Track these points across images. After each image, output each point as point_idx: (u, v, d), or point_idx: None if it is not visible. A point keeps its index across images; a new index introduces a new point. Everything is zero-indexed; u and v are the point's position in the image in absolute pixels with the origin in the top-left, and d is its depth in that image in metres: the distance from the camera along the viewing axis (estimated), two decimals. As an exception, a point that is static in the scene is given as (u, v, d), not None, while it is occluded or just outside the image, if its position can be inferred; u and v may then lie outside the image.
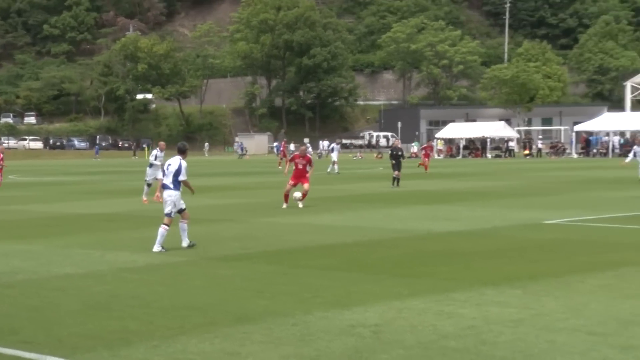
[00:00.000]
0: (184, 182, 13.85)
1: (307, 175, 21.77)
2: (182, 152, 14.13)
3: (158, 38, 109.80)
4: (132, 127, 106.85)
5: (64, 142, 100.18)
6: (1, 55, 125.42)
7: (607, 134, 74.30)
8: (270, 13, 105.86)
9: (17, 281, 11.09)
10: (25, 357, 7.18)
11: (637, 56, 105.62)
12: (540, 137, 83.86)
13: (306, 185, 21.61)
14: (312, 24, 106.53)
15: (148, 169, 24.32)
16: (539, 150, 75.92)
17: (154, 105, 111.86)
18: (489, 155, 74.76)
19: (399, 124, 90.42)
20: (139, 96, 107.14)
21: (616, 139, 72.58)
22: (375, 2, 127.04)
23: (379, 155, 66.45)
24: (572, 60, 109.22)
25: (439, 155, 74.44)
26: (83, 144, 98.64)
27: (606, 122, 74.72)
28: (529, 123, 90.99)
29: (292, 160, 22.36)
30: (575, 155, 72.35)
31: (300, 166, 21.65)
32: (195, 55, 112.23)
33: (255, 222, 18.39)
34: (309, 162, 21.83)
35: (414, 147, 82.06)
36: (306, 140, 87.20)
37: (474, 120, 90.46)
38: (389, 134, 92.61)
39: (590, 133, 76.18)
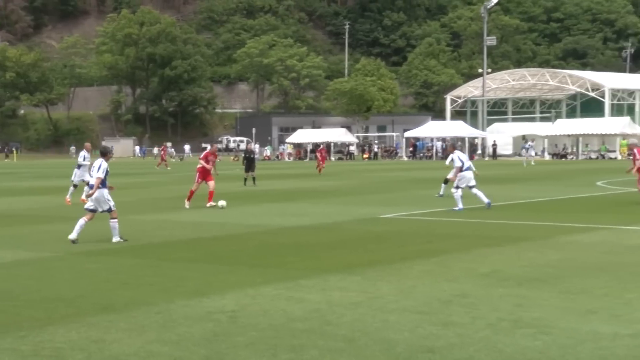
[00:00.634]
0: (98, 179, 13.50)
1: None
2: (104, 155, 13.99)
3: (26, 49, 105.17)
4: (1, 131, 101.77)
5: None
6: None
7: (432, 139, 77.24)
8: (134, 28, 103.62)
9: None
10: None
11: (455, 73, 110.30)
12: (376, 142, 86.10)
13: (211, 184, 21.03)
14: (173, 38, 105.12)
15: (76, 170, 22.53)
16: (375, 153, 77.94)
17: (22, 111, 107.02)
18: (332, 158, 75.97)
19: (254, 130, 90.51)
20: (8, 103, 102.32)
21: (439, 144, 75.60)
22: (230, 21, 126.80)
23: (235, 158, 66.14)
24: (402, 76, 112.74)
25: (288, 158, 74.96)
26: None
27: (430, 130, 77.68)
28: (367, 130, 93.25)
29: (204, 158, 21.48)
30: (405, 158, 74.75)
31: (211, 164, 21.06)
32: (63, 65, 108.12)
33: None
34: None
35: (267, 151, 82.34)
36: (169, 144, 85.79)
37: (320, 127, 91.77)
38: (245, 139, 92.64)
39: (417, 139, 78.93)
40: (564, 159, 68.34)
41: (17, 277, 10.40)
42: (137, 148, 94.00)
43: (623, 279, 9.55)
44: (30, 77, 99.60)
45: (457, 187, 19.24)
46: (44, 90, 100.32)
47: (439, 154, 72.05)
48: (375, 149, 79.20)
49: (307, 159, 75.93)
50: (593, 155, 70.59)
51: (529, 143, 60.03)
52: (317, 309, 8.13)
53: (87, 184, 14.17)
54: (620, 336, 6.85)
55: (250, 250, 12.73)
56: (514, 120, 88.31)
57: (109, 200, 13.57)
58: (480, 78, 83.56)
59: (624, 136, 69.96)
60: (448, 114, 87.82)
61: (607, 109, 76.75)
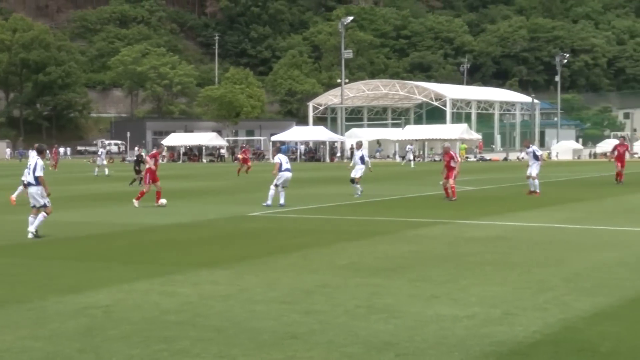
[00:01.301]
0: (40, 178, 13.02)
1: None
2: (40, 152, 13.53)
3: None
4: None
5: None
6: None
7: (296, 143, 77.94)
8: (6, 34, 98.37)
9: None
10: None
11: (316, 82, 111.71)
12: (244, 144, 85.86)
13: (158, 184, 20.47)
14: (46, 45, 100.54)
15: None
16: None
17: None
18: (204, 160, 75.09)
19: (128, 134, 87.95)
20: None
21: (302, 147, 76.41)
22: (104, 30, 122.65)
23: (111, 160, 63.94)
24: (268, 84, 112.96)
25: (162, 160, 73.41)
26: None
27: (295, 134, 78.32)
28: (236, 134, 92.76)
29: (154, 157, 20.69)
30: (272, 160, 74.98)
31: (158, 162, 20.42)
32: None
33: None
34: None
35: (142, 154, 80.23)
36: (60, 147, 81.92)
37: (192, 131, 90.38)
38: (120, 142, 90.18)
39: (283, 142, 79.37)
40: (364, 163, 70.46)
41: None
42: (8, 150, 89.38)
43: (462, 268, 9.99)
44: None
45: (276, 185, 19.69)
46: None
47: (303, 157, 73.20)
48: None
49: (180, 161, 74.65)
50: (437, 158, 73.47)
51: (409, 147, 61.07)
52: (189, 302, 8.00)
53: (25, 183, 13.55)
54: (459, 318, 7.17)
55: (125, 248, 12.35)
56: (369, 125, 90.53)
57: (44, 196, 13.19)
58: (339, 87, 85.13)
59: (462, 141, 73.32)
60: (310, 119, 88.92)
61: (448, 116, 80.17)
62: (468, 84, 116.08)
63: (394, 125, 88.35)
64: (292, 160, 73.33)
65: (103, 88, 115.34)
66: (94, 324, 7.06)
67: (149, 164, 20.59)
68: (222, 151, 78.79)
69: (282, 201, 19.76)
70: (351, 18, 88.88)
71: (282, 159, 20.25)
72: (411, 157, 56.85)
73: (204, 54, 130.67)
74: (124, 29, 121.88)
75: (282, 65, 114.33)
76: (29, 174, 13.39)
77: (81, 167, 52.14)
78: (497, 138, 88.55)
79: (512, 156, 74.34)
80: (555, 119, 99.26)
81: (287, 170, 19.96)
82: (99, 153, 45.52)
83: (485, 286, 8.63)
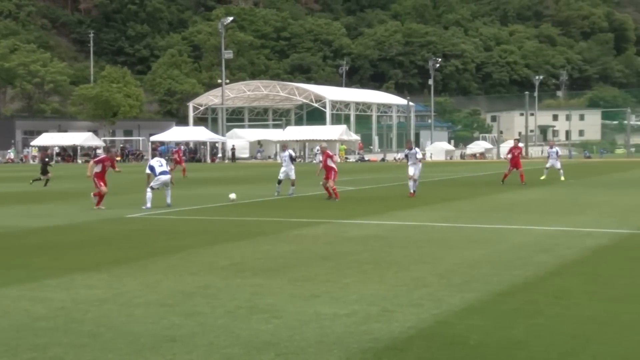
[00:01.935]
0: None
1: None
2: None
3: None
4: None
5: None
6: None
7: (176, 143, 76.56)
8: None
9: None
10: None
11: (196, 83, 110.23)
12: (122, 145, 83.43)
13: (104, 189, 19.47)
14: None
15: None
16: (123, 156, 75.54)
17: None
18: (79, 161, 72.31)
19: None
20: None
21: (183, 148, 75.11)
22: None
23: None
24: (147, 84, 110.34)
25: (33, 161, 69.99)
26: None
27: (175, 134, 76.94)
28: (114, 134, 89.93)
29: (101, 162, 19.67)
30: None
31: (107, 168, 19.57)
32: None
33: None
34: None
35: (11, 154, 76.18)
36: None
37: (66, 131, 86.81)
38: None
39: (162, 143, 77.79)
40: (293, 162, 71.09)
41: None
42: None
43: (342, 267, 10.15)
44: None
45: (152, 188, 19.41)
46: None
47: (184, 157, 72.12)
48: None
49: (54, 162, 71.57)
50: (317, 159, 74.40)
51: (317, 148, 60.92)
52: (62, 307, 7.67)
53: None
54: (339, 316, 7.28)
55: (-7, 254, 11.69)
56: (250, 126, 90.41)
57: None
58: (220, 88, 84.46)
59: (342, 142, 74.60)
60: (191, 120, 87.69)
61: (328, 117, 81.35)
62: (347, 86, 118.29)
63: (275, 126, 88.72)
64: (171, 161, 71.99)
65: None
66: (-42, 335, 6.63)
67: (92, 169, 19.61)
68: (99, 151, 76.24)
69: (168, 200, 19.41)
70: (231, 18, 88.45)
71: (154, 164, 19.76)
72: (321, 159, 56.20)
73: (78, 52, 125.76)
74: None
75: (161, 65, 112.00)
76: None
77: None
78: (375, 139, 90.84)
79: (390, 157, 76.48)
80: (429, 121, 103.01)
81: (162, 173, 19.53)
82: None
83: (364, 284, 8.82)
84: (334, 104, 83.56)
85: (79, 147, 74.63)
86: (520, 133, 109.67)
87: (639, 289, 8.41)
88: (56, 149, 75.06)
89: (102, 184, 19.40)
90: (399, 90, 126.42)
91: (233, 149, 75.63)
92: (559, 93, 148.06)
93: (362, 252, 11.38)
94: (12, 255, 11.48)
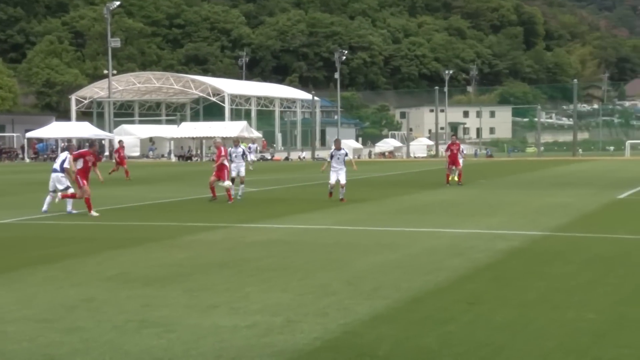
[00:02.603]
0: None
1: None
2: None
3: None
4: None
5: None
6: None
7: (56, 140, 74.18)
8: None
9: None
10: None
11: (79, 73, 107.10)
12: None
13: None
14: None
15: None
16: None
17: None
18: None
19: None
20: None
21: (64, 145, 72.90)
22: None
23: None
24: (22, 74, 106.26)
25: None
26: None
27: (55, 130, 74.47)
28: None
29: (79, 156, 18.53)
30: (27, 160, 70.66)
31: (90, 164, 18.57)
32: None
33: None
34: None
35: None
36: None
37: None
38: None
39: (40, 140, 75.14)
40: (189, 161, 70.29)
41: None
42: None
43: (243, 274, 10.09)
44: None
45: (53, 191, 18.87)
46: None
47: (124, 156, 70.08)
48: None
49: None
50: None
51: (250, 145, 59.16)
52: None
53: None
54: (239, 328, 7.22)
55: None
56: (141, 122, 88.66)
57: None
58: (106, 79, 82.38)
59: (242, 139, 74.27)
60: (73, 114, 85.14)
61: (227, 113, 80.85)
62: (247, 78, 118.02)
63: (169, 121, 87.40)
64: (52, 160, 69.70)
65: None
66: None
67: (72, 165, 18.38)
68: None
69: (69, 208, 18.69)
70: (118, 3, 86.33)
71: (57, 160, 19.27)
72: (253, 158, 54.74)
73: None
74: None
75: (38, 53, 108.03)
76: None
77: None
78: (278, 136, 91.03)
79: (294, 155, 76.81)
80: (336, 117, 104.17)
81: (53, 170, 18.94)
82: None
83: (267, 293, 8.79)
84: (233, 98, 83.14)
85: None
86: (430, 130, 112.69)
87: (551, 293, 8.76)
88: None
89: (84, 182, 18.32)
90: (303, 84, 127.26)
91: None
92: (469, 88, 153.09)
93: (264, 258, 11.35)
94: None
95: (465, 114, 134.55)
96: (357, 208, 19.51)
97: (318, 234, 14.37)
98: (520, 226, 15.32)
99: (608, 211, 18.62)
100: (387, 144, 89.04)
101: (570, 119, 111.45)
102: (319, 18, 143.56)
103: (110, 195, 23.61)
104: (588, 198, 22.14)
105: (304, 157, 75.65)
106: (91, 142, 19.05)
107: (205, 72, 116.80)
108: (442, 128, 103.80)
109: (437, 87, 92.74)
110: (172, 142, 75.22)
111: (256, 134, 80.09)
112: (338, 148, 22.02)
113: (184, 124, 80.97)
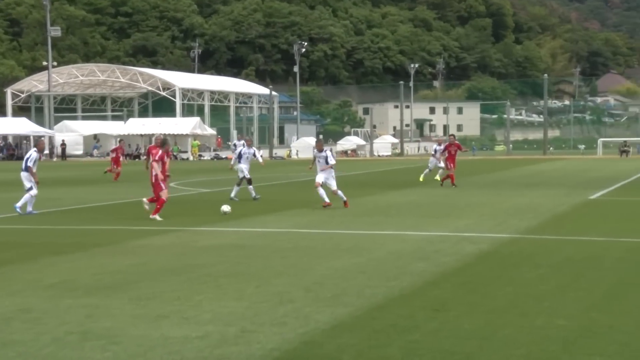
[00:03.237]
0: None
1: None
2: None
3: None
4: None
5: None
6: None
7: (119, 140, 73.18)
8: None
9: None
10: None
11: (16, 65, 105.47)
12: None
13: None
14: None
15: None
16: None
17: None
18: None
19: None
20: None
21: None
22: None
23: None
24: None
25: None
26: None
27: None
28: None
29: (161, 158, 18.10)
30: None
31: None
32: None
33: None
34: None
35: None
36: None
37: None
38: None
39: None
40: (137, 160, 69.69)
41: None
42: None
43: (194, 281, 10.04)
44: None
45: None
46: None
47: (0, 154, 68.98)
48: None
49: None
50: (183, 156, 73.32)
51: (236, 142, 57.93)
52: None
53: None
54: (190, 339, 7.18)
55: None
56: (84, 118, 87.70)
57: None
58: (45, 71, 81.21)
59: (195, 136, 73.95)
60: (9, 109, 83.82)
61: (178, 108, 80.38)
62: (200, 71, 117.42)
63: (115, 117, 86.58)
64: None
65: None
66: None
67: (156, 167, 17.91)
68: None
69: (23, 206, 18.86)
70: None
71: None
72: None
73: None
74: None
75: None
76: None
77: None
78: (234, 133, 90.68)
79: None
80: (295, 113, 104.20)
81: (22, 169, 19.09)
82: None
83: (220, 301, 8.76)
84: (184, 92, 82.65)
85: None
86: (395, 127, 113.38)
87: (520, 299, 8.88)
88: None
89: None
90: (260, 77, 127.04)
91: (63, 144, 73.04)
92: (436, 83, 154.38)
93: (217, 264, 11.31)
94: None
95: (432, 110, 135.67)
96: (317, 210, 19.53)
97: (275, 238, 14.36)
98: (488, 228, 15.49)
99: (579, 212, 18.94)
100: (349, 142, 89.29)
101: (541, 116, 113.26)
102: (277, 7, 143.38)
103: (50, 197, 23.30)
104: (559, 198, 22.49)
105: (261, 156, 75.72)
106: (163, 140, 18.75)
107: (154, 65, 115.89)
108: (407, 125, 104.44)
109: (402, 82, 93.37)
110: (118, 139, 74.45)
111: (210, 131, 79.77)
112: (320, 149, 20.59)
113: (131, 120, 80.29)
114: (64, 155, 72.03)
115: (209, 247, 13.16)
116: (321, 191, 20.01)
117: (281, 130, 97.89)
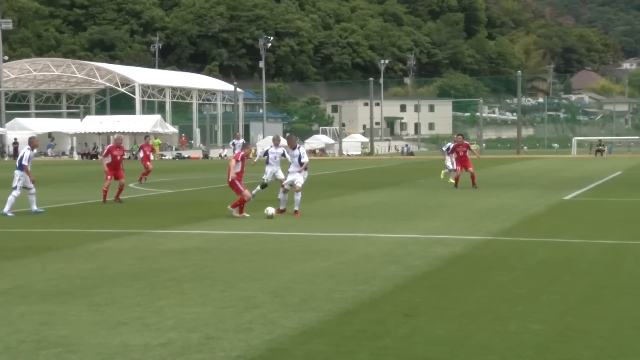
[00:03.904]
0: None
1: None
2: None
3: None
4: None
5: None
6: None
7: (145, 136, 72.28)
8: None
9: None
10: None
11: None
12: None
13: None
14: None
15: None
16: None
17: None
18: None
19: None
20: None
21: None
22: None
23: None
24: None
25: None
26: None
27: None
28: None
29: (242, 159, 18.23)
30: None
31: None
32: None
33: None
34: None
35: None
36: None
37: None
38: None
39: None
40: (94, 159, 69.14)
41: None
42: None
43: (156, 286, 10.00)
44: None
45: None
46: None
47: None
48: None
49: None
50: (125, 156, 72.84)
51: (235, 141, 56.64)
52: None
53: None
54: (151, 346, 7.15)
55: None
56: (37, 115, 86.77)
57: None
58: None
59: (156, 135, 73.50)
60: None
61: (138, 105, 79.90)
62: (160, 67, 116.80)
63: (70, 115, 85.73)
64: None
65: None
66: None
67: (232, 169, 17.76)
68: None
69: (33, 207, 19.38)
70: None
71: None
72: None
73: None
74: None
75: None
76: None
77: None
78: (197, 132, 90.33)
79: (214, 153, 76.37)
80: (261, 110, 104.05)
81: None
82: None
83: (183, 307, 8.74)
84: (145, 89, 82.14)
85: None
86: (365, 126, 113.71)
87: (493, 303, 8.96)
88: None
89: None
90: (224, 73, 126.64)
91: (15, 143, 72.17)
92: (407, 80, 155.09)
93: (180, 268, 11.28)
94: None
95: (403, 108, 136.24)
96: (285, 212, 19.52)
97: (240, 241, 14.34)
98: (460, 230, 15.61)
99: (554, 213, 19.14)
100: (317, 141, 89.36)
101: (514, 114, 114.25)
102: (241, 0, 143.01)
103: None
104: (533, 199, 22.72)
105: (225, 155, 75.24)
106: (244, 144, 18.97)
107: (112, 60, 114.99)
108: (377, 123, 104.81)
109: (371, 79, 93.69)
110: (74, 138, 73.80)
111: (171, 129, 79.40)
112: (292, 147, 19.84)
113: (88, 117, 79.58)
114: (16, 154, 71.16)
115: (172, 251, 13.10)
116: (284, 197, 19.17)
117: (246, 128, 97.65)
